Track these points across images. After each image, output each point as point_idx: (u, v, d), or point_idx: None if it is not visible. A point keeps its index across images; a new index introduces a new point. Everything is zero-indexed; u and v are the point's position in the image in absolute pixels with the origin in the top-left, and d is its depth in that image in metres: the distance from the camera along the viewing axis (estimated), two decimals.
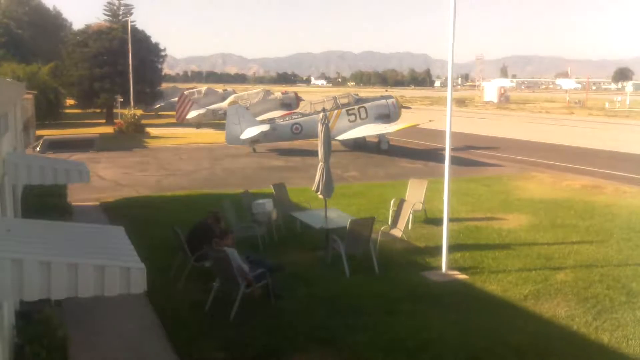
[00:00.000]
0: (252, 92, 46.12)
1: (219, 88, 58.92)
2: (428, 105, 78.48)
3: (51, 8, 57.09)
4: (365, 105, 28.90)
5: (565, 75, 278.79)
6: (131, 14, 50.90)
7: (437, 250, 10.73)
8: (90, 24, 48.55)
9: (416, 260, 11.03)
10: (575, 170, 22.82)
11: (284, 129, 27.91)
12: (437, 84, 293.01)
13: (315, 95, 68.35)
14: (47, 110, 38.89)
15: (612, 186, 19.09)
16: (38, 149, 26.44)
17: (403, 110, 31.44)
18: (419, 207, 13.68)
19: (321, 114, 11.79)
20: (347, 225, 10.59)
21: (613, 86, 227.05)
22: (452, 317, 8.48)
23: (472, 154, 27.49)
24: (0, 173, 6.94)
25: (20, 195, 11.33)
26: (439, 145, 28.36)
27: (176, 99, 45.67)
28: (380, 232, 11.40)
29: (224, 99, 46.09)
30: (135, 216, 14.10)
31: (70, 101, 52.62)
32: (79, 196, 15.81)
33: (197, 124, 41.78)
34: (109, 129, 38.15)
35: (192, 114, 42.29)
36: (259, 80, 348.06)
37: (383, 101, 29.73)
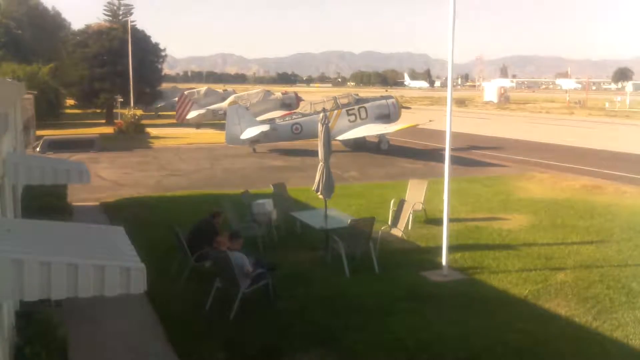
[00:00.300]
0: (252, 92, 46.15)
1: (219, 88, 58.95)
2: (428, 105, 78.48)
3: (50, 8, 57.05)
4: (365, 105, 28.90)
5: (565, 75, 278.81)
6: (131, 14, 50.93)
7: (437, 250, 10.73)
8: (90, 24, 48.61)
9: (416, 260, 11.03)
10: (575, 170, 22.81)
11: (284, 129, 27.92)
12: (437, 84, 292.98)
13: (315, 95, 68.36)
14: (47, 110, 38.86)
15: (612, 186, 19.09)
16: (38, 149, 26.44)
17: (403, 110, 31.45)
18: (419, 207, 13.69)
19: (321, 114, 11.79)
20: (347, 225, 10.59)
21: (613, 86, 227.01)
22: (452, 317, 8.48)
23: (472, 154, 27.50)
24: (0, 173, 6.94)
25: (20, 196, 11.33)
26: (440, 145, 28.36)
27: (177, 98, 45.71)
28: (380, 232, 11.40)
29: (224, 99, 46.10)
30: (135, 216, 14.10)
31: (70, 101, 52.63)
32: (79, 196, 15.81)
33: (197, 124, 41.80)
34: (109, 129, 38.17)
35: (192, 114, 42.30)
36: (259, 80, 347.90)
37: (383, 101, 29.75)
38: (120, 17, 50.41)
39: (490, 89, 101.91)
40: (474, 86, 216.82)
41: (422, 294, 9.36)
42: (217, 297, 8.82)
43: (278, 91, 49.92)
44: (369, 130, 27.97)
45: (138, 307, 8.82)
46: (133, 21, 46.91)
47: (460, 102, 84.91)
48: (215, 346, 7.63)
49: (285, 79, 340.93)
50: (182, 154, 27.72)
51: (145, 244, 10.74)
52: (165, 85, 60.12)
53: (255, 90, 48.75)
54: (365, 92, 74.46)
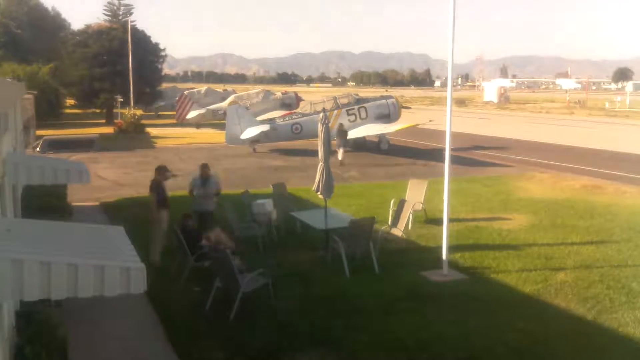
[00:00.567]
0: (252, 92, 46.16)
1: (219, 88, 58.96)
2: (428, 105, 78.48)
3: (50, 8, 57.12)
4: (365, 105, 28.91)
5: (565, 75, 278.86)
6: (131, 14, 50.93)
7: (437, 250, 10.73)
8: (90, 24, 48.60)
9: (416, 260, 11.02)
10: (575, 170, 22.81)
11: (284, 129, 27.92)
12: (437, 83, 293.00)
13: (315, 95, 68.35)
14: (47, 110, 38.89)
15: (612, 186, 19.09)
16: (38, 149, 26.44)
17: (403, 110, 31.45)
18: (419, 207, 13.69)
19: (321, 114, 11.79)
20: (347, 225, 10.59)
21: (613, 86, 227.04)
22: (452, 317, 8.48)
23: (472, 154, 27.49)
24: (0, 173, 6.94)
25: (20, 195, 11.32)
26: (440, 145, 28.35)
27: (177, 98, 45.72)
28: (380, 232, 11.39)
29: (224, 99, 46.12)
30: (135, 216, 14.08)
31: (70, 101, 52.66)
32: (79, 196, 15.81)
33: (197, 124, 41.80)
34: (109, 129, 38.16)
35: (192, 114, 42.31)
36: (259, 80, 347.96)
37: (383, 101, 29.75)
38: (120, 17, 50.41)
39: (490, 89, 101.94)
40: (474, 86, 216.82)
41: (422, 294, 9.36)
42: (217, 297, 8.82)
43: (278, 91, 49.93)
44: (369, 130, 27.97)
45: (138, 307, 8.82)
46: (133, 21, 46.96)
47: (460, 102, 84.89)
48: (215, 346, 7.63)
49: (285, 79, 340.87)
50: (182, 153, 27.71)
51: (145, 244, 10.77)
52: (165, 85, 60.13)
53: (255, 90, 48.76)
54: (365, 92, 74.45)
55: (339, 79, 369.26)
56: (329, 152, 11.23)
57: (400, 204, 12.04)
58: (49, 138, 28.28)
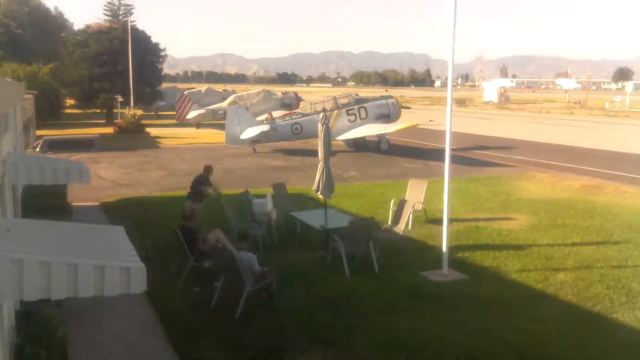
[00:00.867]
0: (252, 92, 46.14)
1: (219, 88, 58.96)
2: (428, 105, 78.49)
3: (52, 9, 57.15)
4: (365, 105, 28.89)
5: (565, 75, 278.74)
6: (131, 14, 50.96)
7: (437, 250, 10.73)
8: (90, 24, 48.59)
9: (416, 260, 11.02)
10: (575, 170, 22.81)
11: (284, 129, 27.91)
12: (437, 83, 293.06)
13: (315, 95, 68.35)
14: (47, 110, 38.89)
15: (612, 186, 19.09)
16: (38, 149, 26.44)
17: (403, 110, 31.45)
18: (419, 207, 13.69)
19: (321, 114, 11.79)
20: (347, 225, 10.59)
21: (613, 86, 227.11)
22: (452, 317, 8.48)
23: (472, 154, 27.48)
24: (0, 173, 6.94)
25: (20, 195, 11.33)
26: (440, 145, 28.35)
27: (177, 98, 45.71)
28: (380, 232, 11.38)
29: (224, 99, 46.11)
30: (135, 216, 14.09)
31: (70, 101, 52.65)
32: (79, 196, 15.81)
33: (197, 124, 41.80)
34: (109, 129, 38.15)
35: (192, 114, 42.30)
36: (259, 80, 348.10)
37: (383, 101, 29.74)
38: (120, 17, 50.43)
39: (490, 89, 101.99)
40: (474, 86, 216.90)
41: (422, 294, 9.36)
42: (217, 297, 8.83)
43: (278, 91, 49.93)
44: (369, 130, 27.96)
45: (138, 307, 8.82)
46: (133, 21, 46.96)
47: (460, 102, 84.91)
48: (215, 346, 7.63)
49: (285, 79, 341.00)
50: (183, 154, 27.71)
51: (145, 243, 10.78)
52: (165, 85, 60.13)
53: (255, 90, 48.76)
54: (365, 92, 74.46)
55: (339, 79, 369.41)
56: (329, 152, 11.22)
57: (401, 204, 12.04)
58: (49, 138, 28.27)
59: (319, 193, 11.18)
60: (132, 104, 41.68)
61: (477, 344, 7.61)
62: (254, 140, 27.19)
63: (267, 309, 8.75)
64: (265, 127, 27.34)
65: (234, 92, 52.08)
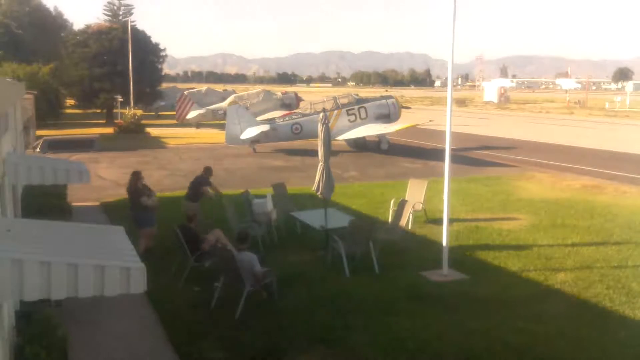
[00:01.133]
0: (252, 92, 46.14)
1: (219, 88, 58.96)
2: (428, 105, 78.49)
3: (52, 9, 57.15)
4: (365, 105, 28.89)
5: (565, 75, 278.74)
6: (131, 14, 50.98)
7: (437, 250, 10.73)
8: (90, 24, 48.60)
9: (416, 260, 11.02)
10: (575, 170, 22.81)
11: (284, 129, 27.91)
12: (437, 83, 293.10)
13: (315, 95, 68.34)
14: (47, 110, 38.88)
15: (612, 186, 19.09)
16: (38, 149, 26.44)
17: (403, 110, 31.45)
18: (419, 207, 13.69)
19: (321, 114, 11.79)
20: (347, 225, 10.59)
21: (613, 86, 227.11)
22: (452, 317, 8.48)
23: (473, 154, 27.48)
24: (0, 173, 6.94)
25: (20, 195, 11.33)
26: (440, 145, 28.35)
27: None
28: (381, 232, 11.38)
29: (224, 99, 46.10)
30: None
31: (70, 101, 52.63)
32: (79, 196, 15.81)
33: (197, 124, 41.80)
34: (109, 129, 38.15)
35: (192, 114, 42.30)
36: (259, 80, 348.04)
37: (383, 101, 29.73)
38: (120, 17, 50.43)
39: (490, 89, 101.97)
40: (474, 86, 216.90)
41: (422, 294, 9.36)
42: (218, 297, 8.83)
43: (278, 91, 49.93)
44: (369, 130, 27.96)
45: (138, 307, 8.82)
46: (133, 21, 46.97)
47: (460, 102, 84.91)
48: (215, 346, 7.63)
49: (285, 79, 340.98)
50: (183, 153, 27.71)
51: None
52: (165, 85, 60.12)
53: (255, 90, 48.76)
54: (365, 92, 74.45)
55: (339, 79, 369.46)
56: (329, 152, 11.22)
57: (401, 204, 12.04)
58: (49, 138, 28.27)
59: (319, 193, 11.19)
60: (132, 104, 41.67)
61: (477, 344, 7.61)
62: (254, 140, 27.19)
63: (267, 309, 8.75)
64: (265, 127, 27.34)
65: (234, 92, 52.09)
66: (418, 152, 28.75)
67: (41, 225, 5.92)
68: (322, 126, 11.08)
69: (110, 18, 50.89)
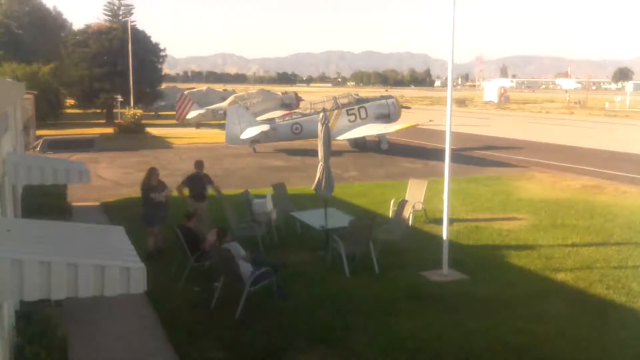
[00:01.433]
0: (252, 92, 46.15)
1: (219, 88, 58.98)
2: (428, 105, 78.48)
3: (52, 8, 57.16)
4: (365, 105, 28.90)
5: (565, 75, 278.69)
6: (131, 14, 51.00)
7: (437, 250, 10.72)
8: (90, 24, 48.60)
9: (416, 260, 11.02)
10: (575, 170, 22.81)
11: (284, 129, 27.92)
12: (437, 83, 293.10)
13: (315, 95, 68.33)
14: (47, 110, 38.90)
15: (612, 186, 19.09)
16: (38, 149, 26.44)
17: (403, 110, 31.45)
18: (419, 207, 13.70)
19: (321, 114, 11.79)
20: (347, 225, 10.59)
21: (613, 86, 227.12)
22: (452, 317, 8.48)
23: (473, 154, 27.48)
24: (0, 173, 6.94)
25: (20, 195, 11.32)
26: (439, 145, 28.34)
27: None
28: (380, 232, 11.38)
29: (224, 99, 46.11)
30: (135, 216, 14.06)
31: (70, 101, 52.65)
32: (79, 196, 15.81)
33: (197, 124, 41.81)
34: (109, 129, 38.15)
35: (192, 114, 42.32)
36: (259, 80, 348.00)
37: (383, 101, 29.74)
38: (120, 17, 50.44)
39: (490, 89, 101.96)
40: (474, 86, 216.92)
41: (422, 294, 9.36)
42: (218, 297, 8.83)
43: (278, 91, 49.94)
44: (369, 130, 27.97)
45: (138, 307, 8.82)
46: (133, 21, 46.99)
47: (460, 102, 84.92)
48: (215, 346, 7.63)
49: (285, 79, 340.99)
50: (183, 153, 27.70)
51: (145, 244, 10.79)
52: (165, 85, 60.13)
53: (255, 90, 48.78)
54: (365, 92, 74.44)
55: (339, 79, 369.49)
56: (329, 152, 11.22)
57: (401, 204, 12.04)
58: (49, 138, 28.27)
59: (319, 193, 11.18)
60: (132, 104, 41.68)
61: (477, 344, 7.61)
62: (254, 140, 27.19)
63: (267, 309, 8.75)
64: (265, 127, 27.34)
65: (234, 92, 52.11)
66: (418, 152, 28.75)
67: (41, 225, 5.92)
68: (322, 126, 11.08)
69: (110, 18, 50.90)
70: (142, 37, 47.05)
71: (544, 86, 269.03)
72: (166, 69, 78.69)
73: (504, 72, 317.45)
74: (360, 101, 29.27)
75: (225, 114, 32.28)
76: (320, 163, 11.04)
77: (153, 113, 51.27)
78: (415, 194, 13.90)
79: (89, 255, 4.56)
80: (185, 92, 46.42)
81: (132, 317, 8.63)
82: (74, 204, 14.43)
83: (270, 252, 11.18)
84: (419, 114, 42.04)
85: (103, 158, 25.62)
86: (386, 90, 56.47)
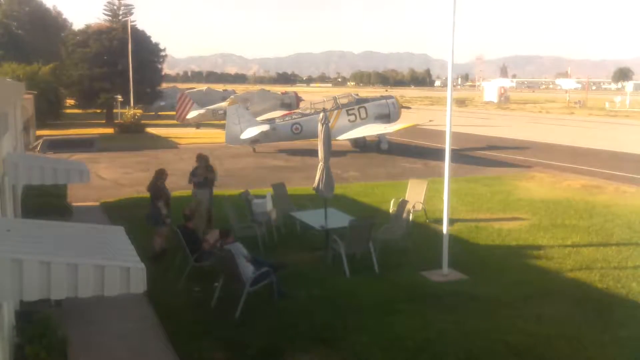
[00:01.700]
0: (252, 92, 46.14)
1: (219, 88, 58.96)
2: (428, 105, 78.48)
3: (52, 8, 57.19)
4: (365, 105, 28.90)
5: (565, 75, 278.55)
6: (131, 14, 50.87)
7: (437, 250, 10.73)
8: (90, 24, 48.59)
9: (416, 260, 11.02)
10: (575, 170, 22.81)
11: (284, 129, 27.91)
12: (437, 83, 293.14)
13: (315, 95, 68.34)
14: (47, 110, 38.90)
15: (612, 186, 19.09)
16: (38, 149, 26.44)
17: (403, 110, 31.45)
18: (419, 207, 13.70)
19: (321, 114, 11.79)
20: (347, 225, 10.59)
21: (613, 86, 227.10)
22: (452, 317, 8.48)
23: (473, 154, 27.47)
24: (0, 173, 6.94)
25: (20, 195, 11.32)
26: (439, 145, 28.33)
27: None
28: (380, 232, 11.39)
29: (224, 99, 46.09)
30: (135, 216, 14.07)
31: (70, 101, 52.62)
32: (79, 196, 15.81)
33: (197, 124, 41.80)
34: (109, 129, 38.15)
35: (192, 114, 42.31)
36: (259, 80, 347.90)
37: (383, 101, 29.75)
38: (120, 17, 50.37)
39: (490, 89, 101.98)
40: (474, 86, 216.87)
41: (422, 294, 9.36)
42: (218, 297, 8.83)
43: (278, 91, 49.93)
44: (369, 130, 27.97)
45: (138, 307, 8.82)
46: (133, 21, 46.94)
47: (460, 102, 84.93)
48: (215, 346, 7.63)
49: (285, 79, 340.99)
50: (182, 153, 27.70)
51: (145, 244, 10.77)
52: (165, 85, 60.10)
53: (255, 90, 48.78)
54: (365, 92, 74.45)
55: (339, 79, 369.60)
56: (329, 152, 11.22)
57: (401, 204, 12.04)
58: (49, 138, 28.26)
59: (319, 193, 11.18)
60: (132, 104, 41.66)
61: (477, 344, 7.61)
62: (254, 140, 27.19)
63: (267, 309, 8.75)
64: (265, 127, 27.34)
65: (234, 92, 52.10)
66: (418, 152, 28.75)
67: (41, 225, 5.92)
68: (322, 126, 11.08)
69: (110, 18, 50.86)
70: (142, 37, 47.02)
71: (544, 86, 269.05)
72: (166, 69, 78.61)
73: (504, 72, 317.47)
74: (360, 101, 29.27)
75: (225, 114, 32.28)
76: (320, 163, 11.04)
77: (153, 113, 51.26)
78: (415, 194, 13.90)
79: (89, 255, 4.56)
80: (185, 92, 46.40)
81: (132, 317, 8.63)
82: (74, 204, 14.43)
83: (270, 252, 11.18)
84: (419, 114, 42.04)
85: (103, 158, 25.61)
86: (386, 90, 56.53)
